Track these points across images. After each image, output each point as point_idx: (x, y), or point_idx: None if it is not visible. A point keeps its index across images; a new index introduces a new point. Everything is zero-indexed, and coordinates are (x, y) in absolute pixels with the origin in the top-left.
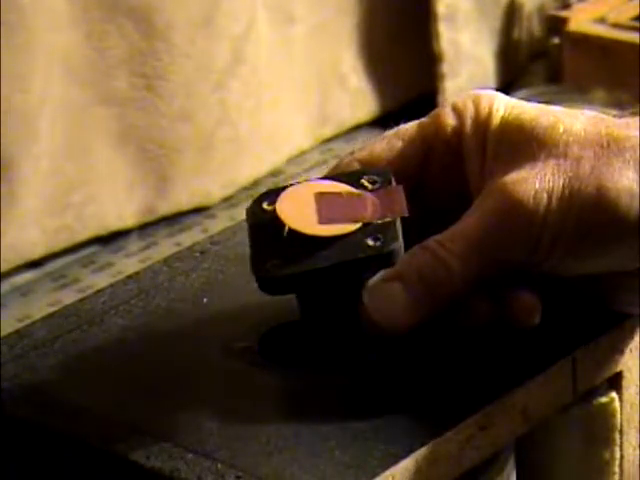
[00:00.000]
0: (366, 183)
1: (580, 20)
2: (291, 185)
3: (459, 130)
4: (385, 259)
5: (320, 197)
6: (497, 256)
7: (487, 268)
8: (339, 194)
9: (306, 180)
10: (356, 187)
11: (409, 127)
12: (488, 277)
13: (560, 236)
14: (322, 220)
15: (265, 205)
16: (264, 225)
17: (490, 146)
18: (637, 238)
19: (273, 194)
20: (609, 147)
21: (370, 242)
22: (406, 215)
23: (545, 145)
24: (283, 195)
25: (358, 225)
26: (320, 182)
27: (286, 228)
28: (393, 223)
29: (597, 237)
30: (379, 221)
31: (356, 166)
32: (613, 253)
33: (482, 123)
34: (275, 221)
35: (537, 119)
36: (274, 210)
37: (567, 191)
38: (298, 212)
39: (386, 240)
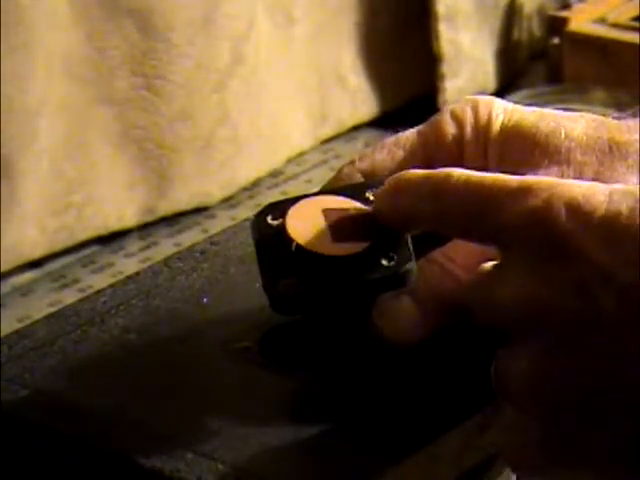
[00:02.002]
0: (371, 197)
1: (580, 20)
2: (293, 199)
3: (459, 138)
4: (400, 279)
5: (329, 214)
6: None
7: None
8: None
9: (310, 195)
10: (361, 201)
11: (409, 135)
12: None
13: None
14: (334, 238)
15: (270, 220)
16: (271, 241)
17: (491, 153)
18: None
19: (276, 208)
20: (611, 152)
21: (384, 262)
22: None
23: (547, 151)
24: (291, 212)
25: (369, 242)
26: (326, 197)
27: (294, 244)
28: (405, 240)
29: None
30: (390, 237)
31: (358, 177)
32: None
33: (482, 130)
34: (282, 237)
35: (537, 125)
36: (280, 225)
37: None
38: (308, 230)
39: (400, 260)
